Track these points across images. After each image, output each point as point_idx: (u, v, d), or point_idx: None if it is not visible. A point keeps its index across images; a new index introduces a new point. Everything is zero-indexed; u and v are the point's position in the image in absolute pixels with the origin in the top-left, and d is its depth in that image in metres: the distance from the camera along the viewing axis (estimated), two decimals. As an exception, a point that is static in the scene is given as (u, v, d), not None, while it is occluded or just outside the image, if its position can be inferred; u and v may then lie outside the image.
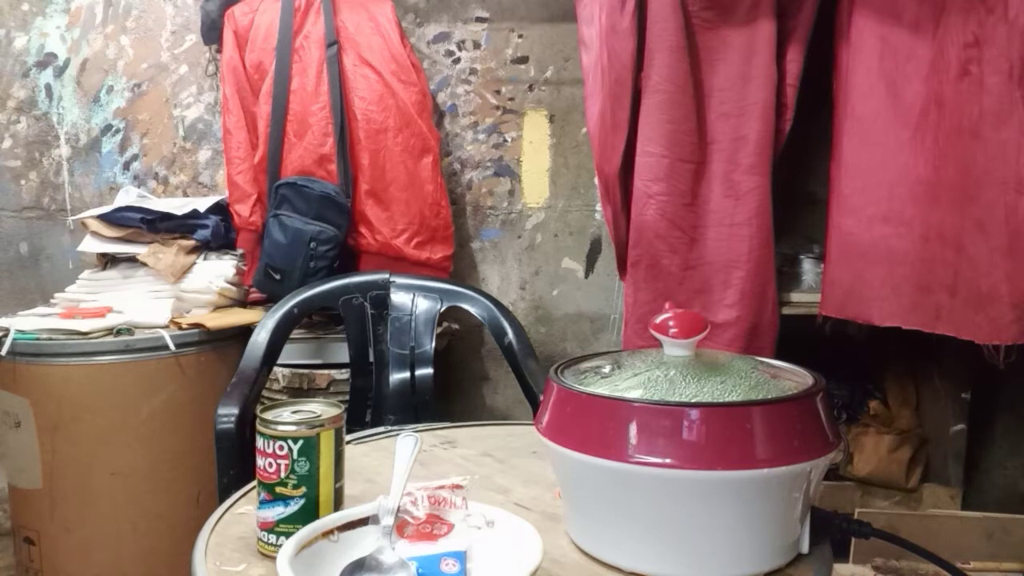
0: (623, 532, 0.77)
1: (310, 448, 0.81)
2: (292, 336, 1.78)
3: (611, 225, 1.92)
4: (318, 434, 0.82)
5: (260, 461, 0.82)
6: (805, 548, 0.80)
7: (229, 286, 2.02)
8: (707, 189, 1.83)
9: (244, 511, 0.92)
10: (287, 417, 0.83)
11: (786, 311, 1.90)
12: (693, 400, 0.75)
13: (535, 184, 2.37)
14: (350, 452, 0.90)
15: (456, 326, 2.27)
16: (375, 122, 2.07)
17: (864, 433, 2.12)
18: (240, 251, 2.12)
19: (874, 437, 2.09)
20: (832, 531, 0.82)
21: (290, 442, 0.81)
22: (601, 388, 0.79)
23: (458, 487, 0.81)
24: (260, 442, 0.82)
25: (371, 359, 1.80)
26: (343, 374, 1.93)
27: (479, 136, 2.36)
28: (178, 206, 2.04)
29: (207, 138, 2.38)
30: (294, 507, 0.81)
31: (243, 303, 2.11)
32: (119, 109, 2.37)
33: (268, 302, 2.10)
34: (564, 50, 2.31)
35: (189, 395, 1.86)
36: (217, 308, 2.01)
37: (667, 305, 0.85)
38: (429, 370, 1.77)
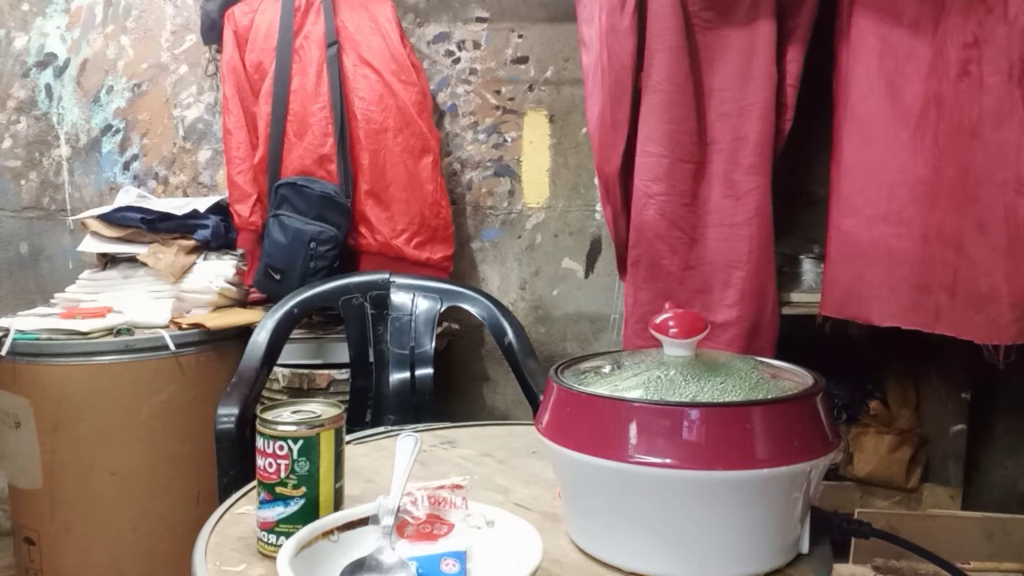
0: (623, 532, 0.77)
1: (310, 448, 0.81)
2: (292, 336, 1.78)
3: (611, 225, 1.92)
4: (318, 434, 0.82)
5: (260, 461, 0.82)
6: (805, 548, 0.80)
7: (229, 286, 2.02)
8: (707, 189, 1.83)
9: (244, 511, 0.92)
10: (287, 417, 0.83)
11: (786, 311, 1.90)
12: (693, 400, 0.75)
13: (535, 184, 2.37)
14: (350, 452, 0.90)
15: (456, 326, 2.27)
16: (375, 122, 2.07)
17: (864, 433, 2.12)
18: (240, 251, 2.12)
19: (874, 437, 2.09)
20: (832, 531, 0.82)
21: (290, 442, 0.81)
22: (601, 388, 0.79)
23: (458, 487, 0.81)
24: (260, 442, 0.82)
25: (371, 359, 1.80)
26: (343, 374, 1.93)
27: (479, 136, 2.36)
28: (178, 206, 2.04)
29: (207, 138, 2.38)
30: (294, 507, 0.81)
31: (243, 303, 2.11)
32: (119, 109, 2.37)
33: (268, 302, 2.10)
34: (564, 50, 2.31)
35: (189, 395, 1.86)
36: (217, 308, 2.01)
37: (667, 305, 0.85)
38: (429, 370, 1.77)
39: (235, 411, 1.37)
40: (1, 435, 1.88)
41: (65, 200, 2.39)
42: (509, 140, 2.36)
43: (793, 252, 2.05)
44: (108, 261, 2.07)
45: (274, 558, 0.74)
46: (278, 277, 2.02)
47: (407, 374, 1.77)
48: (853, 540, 1.80)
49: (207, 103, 2.37)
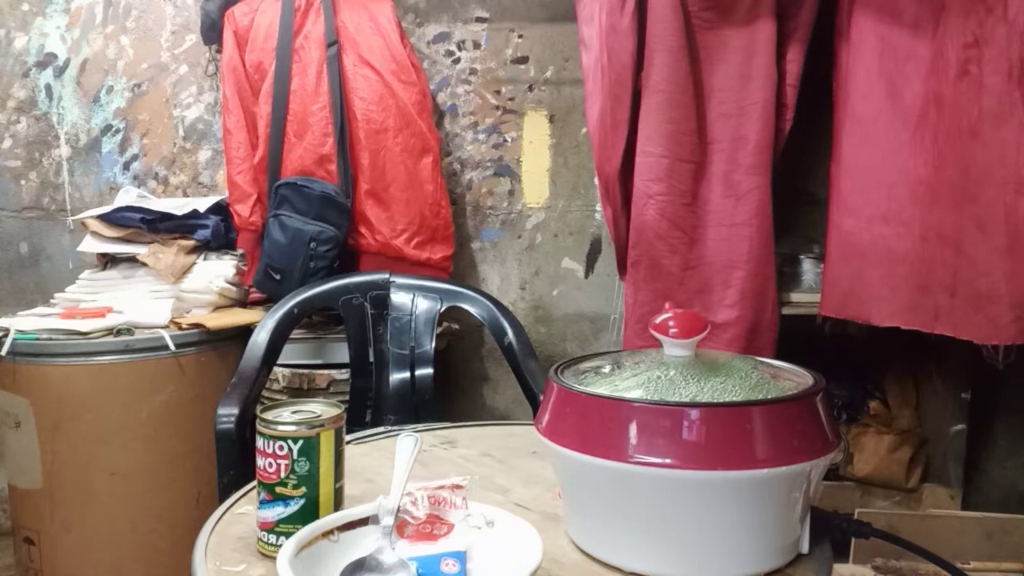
0: (623, 532, 0.77)
1: (310, 448, 0.81)
2: (292, 336, 1.77)
3: (611, 225, 1.92)
4: (318, 434, 0.82)
5: (260, 461, 0.82)
6: (805, 548, 0.80)
7: (229, 286, 2.02)
8: (707, 189, 1.83)
9: (244, 511, 0.92)
10: (287, 417, 0.83)
11: (786, 311, 1.90)
12: (693, 400, 0.75)
13: (535, 184, 2.37)
14: (350, 452, 0.90)
15: (456, 326, 2.27)
16: (375, 122, 2.07)
17: (864, 433, 2.12)
18: (240, 251, 2.12)
19: (874, 437, 2.09)
20: (832, 531, 0.82)
21: (290, 442, 0.81)
22: (601, 388, 0.79)
23: (458, 487, 0.81)
24: (260, 442, 0.82)
25: (371, 359, 1.80)
26: (343, 374, 1.93)
27: (479, 136, 2.36)
28: (178, 206, 2.04)
29: (207, 138, 2.38)
30: (294, 507, 0.81)
31: (243, 303, 2.11)
32: (119, 109, 2.37)
33: (268, 302, 2.10)
34: (564, 50, 2.31)
35: (189, 395, 1.86)
36: (217, 308, 2.01)
37: (667, 305, 0.85)
38: (429, 370, 1.77)
39: (235, 411, 1.37)
40: (1, 435, 1.88)
41: (65, 200, 2.39)
42: (509, 140, 2.36)
43: (793, 252, 2.05)
44: (108, 261, 2.07)
45: (274, 558, 0.74)
46: (278, 277, 2.02)
47: (407, 374, 1.77)
48: (853, 540, 1.80)
49: (207, 103, 2.37)
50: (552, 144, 2.36)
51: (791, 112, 1.81)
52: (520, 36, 2.32)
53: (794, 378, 0.83)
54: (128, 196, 2.20)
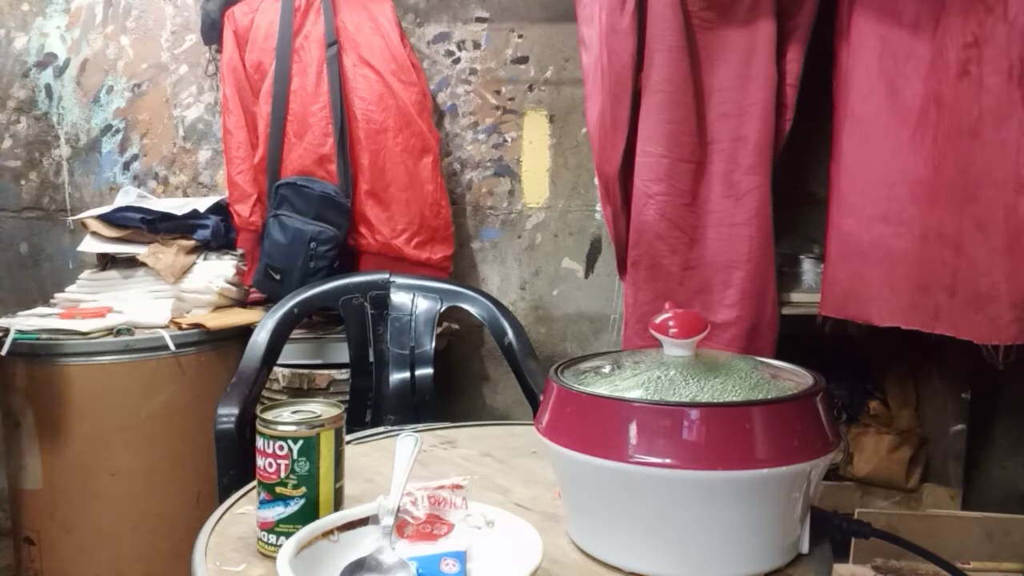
0: (623, 532, 0.77)
1: (310, 448, 0.81)
2: (292, 336, 1.77)
3: (611, 225, 1.92)
4: (318, 434, 0.82)
5: (260, 461, 0.82)
6: (805, 548, 0.80)
7: (229, 286, 2.02)
8: (707, 189, 1.83)
9: (244, 511, 0.93)
10: (287, 417, 0.83)
11: (786, 311, 1.90)
12: (693, 400, 0.75)
13: (535, 184, 2.37)
14: (350, 452, 0.90)
15: (456, 326, 2.27)
16: (375, 122, 2.07)
17: (864, 433, 2.12)
18: (240, 251, 2.12)
19: (874, 437, 2.09)
20: (832, 531, 0.82)
21: (290, 442, 0.81)
22: (601, 388, 0.79)
23: (458, 487, 0.81)
24: (260, 442, 0.82)
25: (371, 359, 1.80)
26: (343, 374, 1.93)
27: (479, 136, 2.36)
28: (178, 206, 2.04)
29: (207, 138, 2.38)
30: (294, 507, 0.81)
31: (243, 303, 2.11)
32: (119, 109, 2.37)
33: (268, 302, 2.10)
34: (564, 50, 2.31)
35: (189, 395, 1.86)
36: (217, 308, 2.01)
37: (667, 305, 0.85)
38: (429, 370, 1.77)
39: (235, 411, 1.37)
40: (1, 435, 1.88)
41: (65, 200, 2.39)
42: (509, 140, 2.36)
43: (793, 252, 2.05)
44: (108, 261, 2.07)
45: (274, 558, 0.74)
46: (278, 277, 2.02)
47: (407, 374, 1.77)
48: (853, 540, 1.79)
49: (207, 103, 2.37)
50: (552, 144, 2.36)
51: (791, 112, 1.81)
52: (520, 36, 2.32)
53: (794, 378, 0.83)
54: (128, 196, 2.20)
